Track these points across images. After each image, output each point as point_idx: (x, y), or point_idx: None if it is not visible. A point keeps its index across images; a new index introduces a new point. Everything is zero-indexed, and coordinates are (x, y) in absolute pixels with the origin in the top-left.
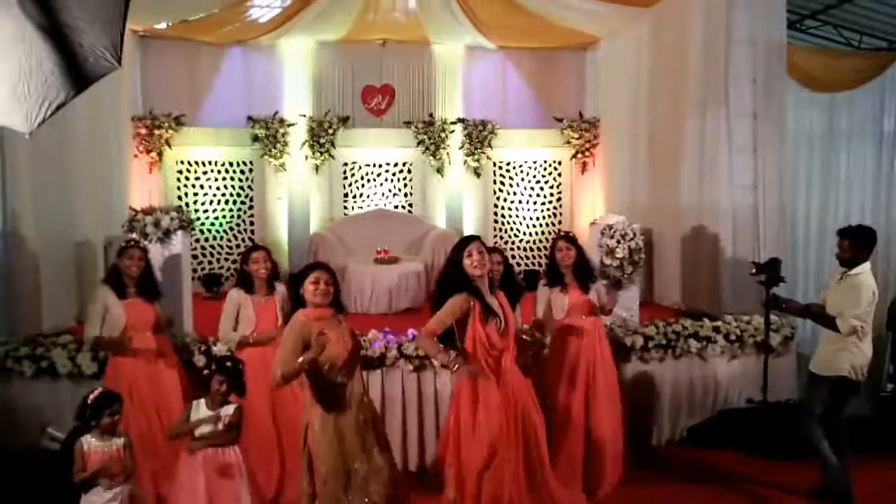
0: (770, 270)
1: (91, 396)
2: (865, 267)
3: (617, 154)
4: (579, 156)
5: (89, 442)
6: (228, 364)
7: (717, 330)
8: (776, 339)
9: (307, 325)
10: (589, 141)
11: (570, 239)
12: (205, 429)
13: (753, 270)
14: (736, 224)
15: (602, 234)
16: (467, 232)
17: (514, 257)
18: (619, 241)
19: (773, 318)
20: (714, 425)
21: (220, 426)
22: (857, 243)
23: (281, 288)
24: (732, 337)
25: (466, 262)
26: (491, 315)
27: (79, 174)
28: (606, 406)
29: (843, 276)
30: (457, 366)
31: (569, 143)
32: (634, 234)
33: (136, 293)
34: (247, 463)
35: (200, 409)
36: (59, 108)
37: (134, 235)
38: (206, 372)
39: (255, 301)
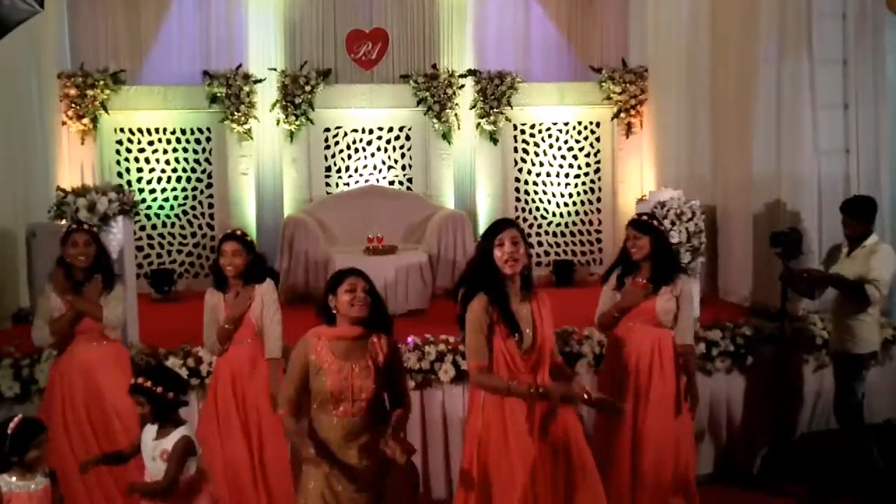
0: (788, 241)
1: (12, 426)
2: (876, 236)
3: (670, 113)
4: (623, 115)
5: (9, 483)
6: (148, 382)
7: (798, 333)
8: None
9: (310, 349)
10: (635, 97)
11: (642, 224)
12: (150, 466)
13: (774, 242)
14: (823, 198)
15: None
16: (481, 214)
17: (540, 244)
18: (673, 223)
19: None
20: (794, 453)
21: (161, 462)
22: (864, 215)
23: (263, 286)
24: (819, 342)
25: (497, 253)
26: (511, 327)
27: None
28: (659, 428)
29: (853, 248)
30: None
31: (609, 99)
32: (694, 214)
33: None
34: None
35: (147, 436)
36: None
37: (64, 221)
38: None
39: (227, 302)
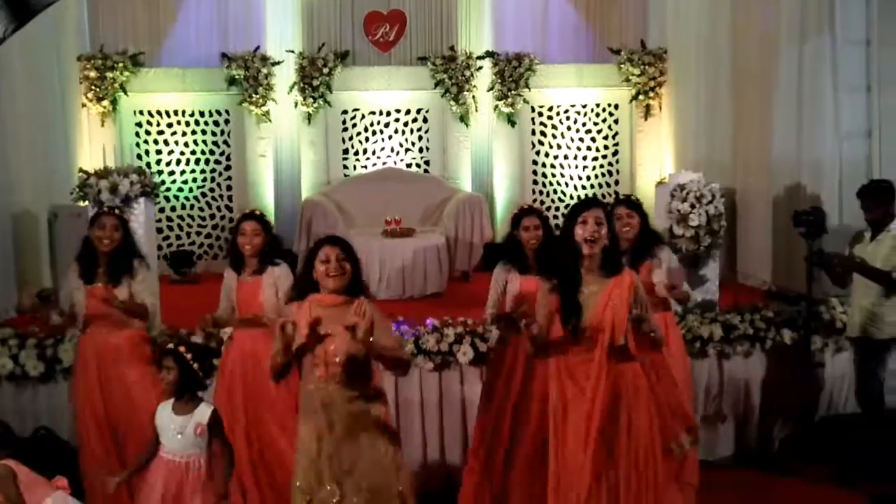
0: (811, 221)
1: None
2: None
3: (690, 95)
4: (641, 97)
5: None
6: (181, 347)
7: (817, 317)
8: None
9: (294, 312)
10: (654, 78)
11: (634, 203)
12: (172, 443)
13: (796, 222)
14: (844, 182)
15: (672, 196)
16: (498, 197)
17: (558, 227)
18: (693, 206)
19: None
20: (813, 437)
21: (196, 435)
22: (883, 198)
23: (279, 270)
24: (838, 325)
25: (578, 230)
26: (565, 317)
27: (14, 130)
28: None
29: (876, 233)
30: None
31: (628, 81)
32: (713, 197)
33: (104, 277)
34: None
35: (165, 414)
36: None
37: (87, 203)
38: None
39: (241, 281)
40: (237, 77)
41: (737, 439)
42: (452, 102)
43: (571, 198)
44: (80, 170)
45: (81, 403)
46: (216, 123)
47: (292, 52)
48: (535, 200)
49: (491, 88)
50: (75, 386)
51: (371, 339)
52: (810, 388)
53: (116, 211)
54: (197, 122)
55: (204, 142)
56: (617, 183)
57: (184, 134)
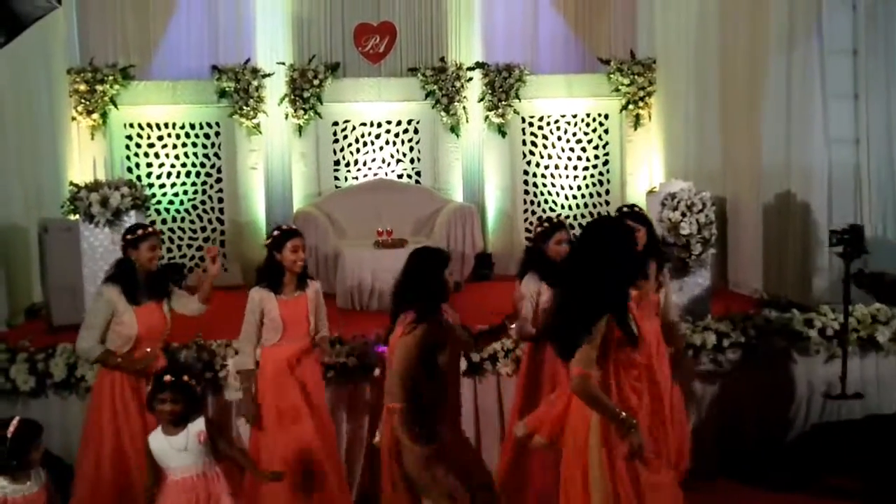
0: (847, 240)
1: (11, 428)
2: None
3: (679, 104)
4: (631, 107)
5: (3, 487)
6: (184, 377)
7: (809, 324)
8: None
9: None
10: (643, 88)
11: (639, 216)
12: (182, 461)
13: (833, 241)
14: (833, 189)
15: (663, 205)
16: (490, 207)
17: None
18: (684, 214)
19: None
20: (807, 444)
21: (199, 443)
22: None
23: (317, 284)
24: (830, 332)
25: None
26: (630, 337)
27: (3, 144)
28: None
29: None
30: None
31: (617, 90)
32: (704, 205)
33: (147, 295)
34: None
35: (158, 441)
36: None
37: (77, 216)
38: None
39: (282, 301)
40: (228, 89)
41: (728, 448)
42: (443, 113)
43: (562, 207)
44: (71, 183)
45: (109, 431)
46: (207, 136)
47: (283, 64)
48: (525, 210)
49: (481, 99)
50: (99, 410)
51: None
52: (803, 395)
53: (150, 229)
54: (188, 135)
55: (195, 154)
56: (607, 192)
57: (174, 147)
